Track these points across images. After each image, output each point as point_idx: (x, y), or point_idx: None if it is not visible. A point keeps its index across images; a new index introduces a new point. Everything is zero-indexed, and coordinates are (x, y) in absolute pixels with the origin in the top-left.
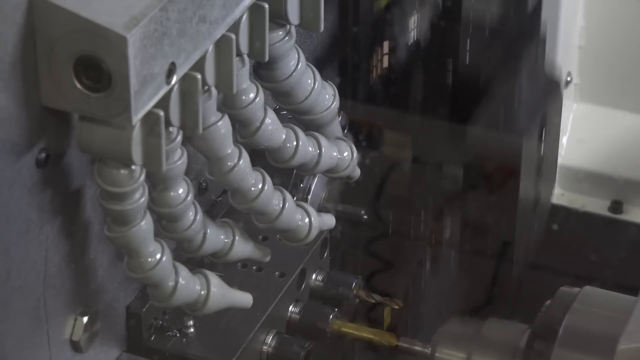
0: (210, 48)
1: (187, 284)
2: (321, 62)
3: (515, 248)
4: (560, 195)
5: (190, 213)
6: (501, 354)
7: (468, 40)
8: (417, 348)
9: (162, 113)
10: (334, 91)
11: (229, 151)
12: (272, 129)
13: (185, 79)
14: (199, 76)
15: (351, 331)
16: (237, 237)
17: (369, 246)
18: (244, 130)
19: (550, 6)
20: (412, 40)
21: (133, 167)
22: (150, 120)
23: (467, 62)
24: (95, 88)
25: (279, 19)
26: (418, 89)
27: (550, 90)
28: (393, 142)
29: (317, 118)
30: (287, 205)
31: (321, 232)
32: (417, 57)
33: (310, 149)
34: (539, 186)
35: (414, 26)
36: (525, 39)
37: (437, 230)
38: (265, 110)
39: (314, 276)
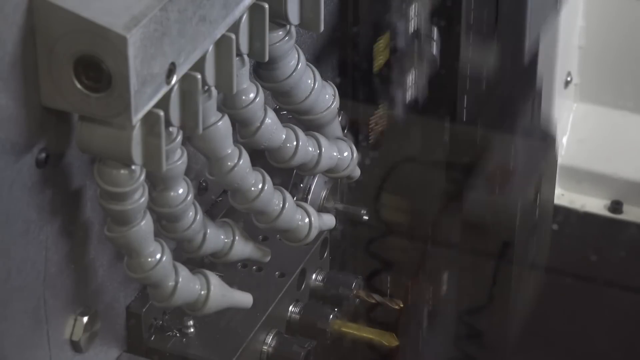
0: (210, 48)
1: (187, 284)
2: None
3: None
4: (560, 195)
5: (190, 213)
6: None
7: (465, 97)
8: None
9: (162, 113)
10: (334, 91)
11: (229, 151)
12: (272, 129)
13: (185, 79)
14: (199, 76)
15: (351, 331)
16: (237, 237)
17: (369, 246)
18: (244, 130)
19: (546, 60)
20: (409, 98)
21: (133, 167)
22: (150, 120)
23: (464, 119)
24: (95, 88)
25: (279, 19)
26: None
27: (545, 149)
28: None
29: (317, 118)
30: (287, 205)
31: (321, 232)
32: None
33: (310, 149)
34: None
35: (412, 83)
36: (522, 94)
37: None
38: (265, 110)
39: (314, 276)
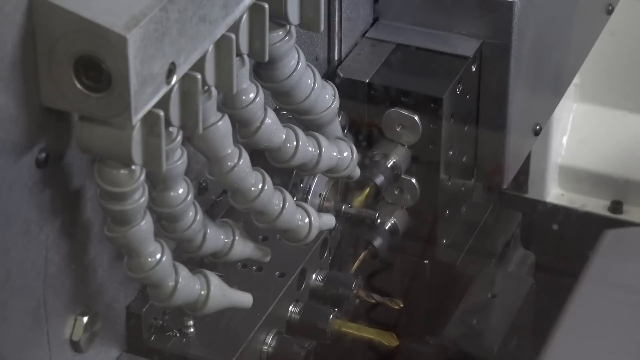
0: (210, 48)
1: (187, 284)
2: None
3: None
4: (560, 195)
5: (190, 213)
6: None
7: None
8: None
9: (162, 113)
10: (334, 91)
11: (229, 151)
12: (272, 129)
13: (185, 79)
14: (199, 76)
15: (351, 331)
16: (237, 237)
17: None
18: (244, 130)
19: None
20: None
21: (133, 167)
22: (150, 120)
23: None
24: (95, 88)
25: (279, 19)
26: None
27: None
28: None
29: (317, 118)
30: (287, 205)
31: (321, 232)
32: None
33: (310, 149)
34: None
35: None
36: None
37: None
38: (265, 110)
39: (314, 276)
